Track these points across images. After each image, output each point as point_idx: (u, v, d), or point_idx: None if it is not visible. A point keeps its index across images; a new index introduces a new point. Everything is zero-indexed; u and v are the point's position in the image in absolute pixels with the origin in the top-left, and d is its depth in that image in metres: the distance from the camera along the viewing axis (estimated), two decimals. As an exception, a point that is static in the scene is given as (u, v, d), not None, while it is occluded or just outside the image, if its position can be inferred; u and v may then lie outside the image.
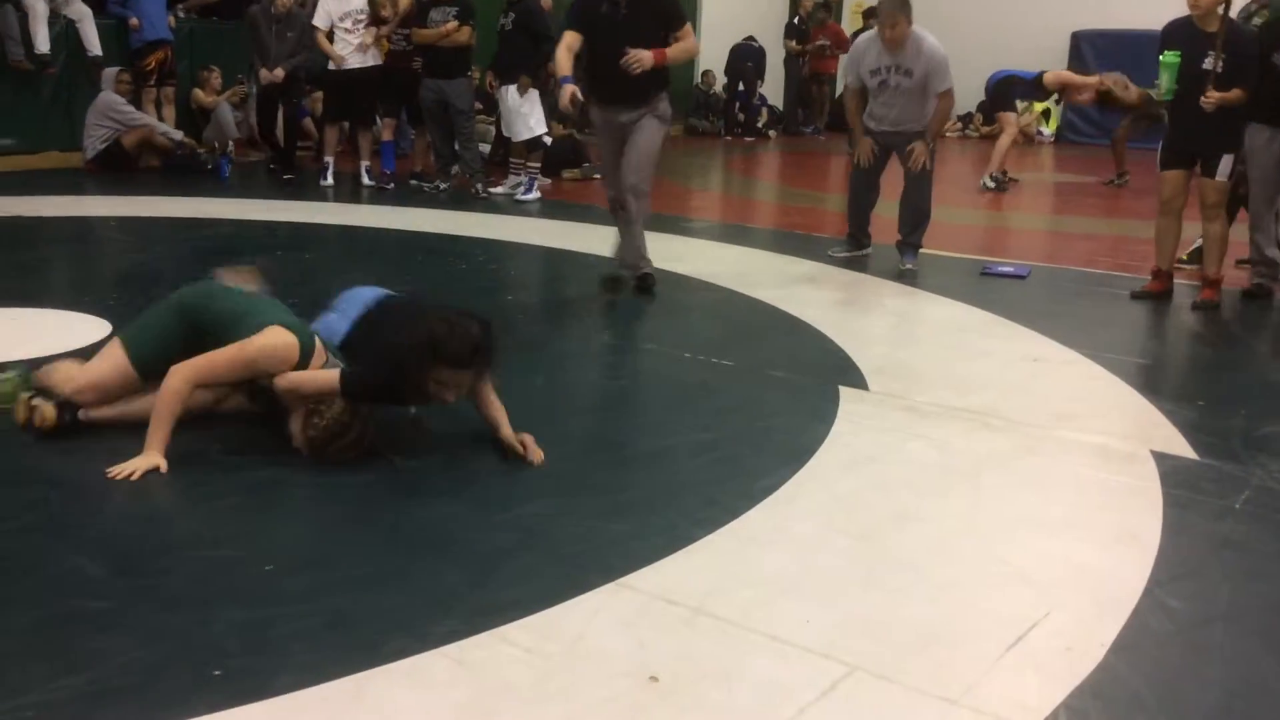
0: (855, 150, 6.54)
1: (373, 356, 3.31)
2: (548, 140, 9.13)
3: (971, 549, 2.87)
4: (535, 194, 8.75)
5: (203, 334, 3.28)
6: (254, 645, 2.25)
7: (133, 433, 3.18)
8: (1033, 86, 10.24)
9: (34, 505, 2.91)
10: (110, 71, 9.42)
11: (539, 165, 8.96)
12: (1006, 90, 10.32)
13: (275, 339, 3.20)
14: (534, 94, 8.68)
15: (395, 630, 2.33)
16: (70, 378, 3.37)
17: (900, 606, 2.55)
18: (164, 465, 3.07)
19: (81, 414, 3.32)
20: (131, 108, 9.35)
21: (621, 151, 5.56)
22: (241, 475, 3.11)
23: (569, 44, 5.45)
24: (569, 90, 5.27)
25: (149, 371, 3.30)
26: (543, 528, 2.88)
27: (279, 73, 9.03)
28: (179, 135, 9.49)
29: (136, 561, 2.62)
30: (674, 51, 5.42)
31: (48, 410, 3.28)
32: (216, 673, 2.14)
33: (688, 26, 5.52)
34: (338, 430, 3.16)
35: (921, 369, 4.51)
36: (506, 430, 3.36)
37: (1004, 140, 10.24)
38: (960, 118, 15.98)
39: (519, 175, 8.91)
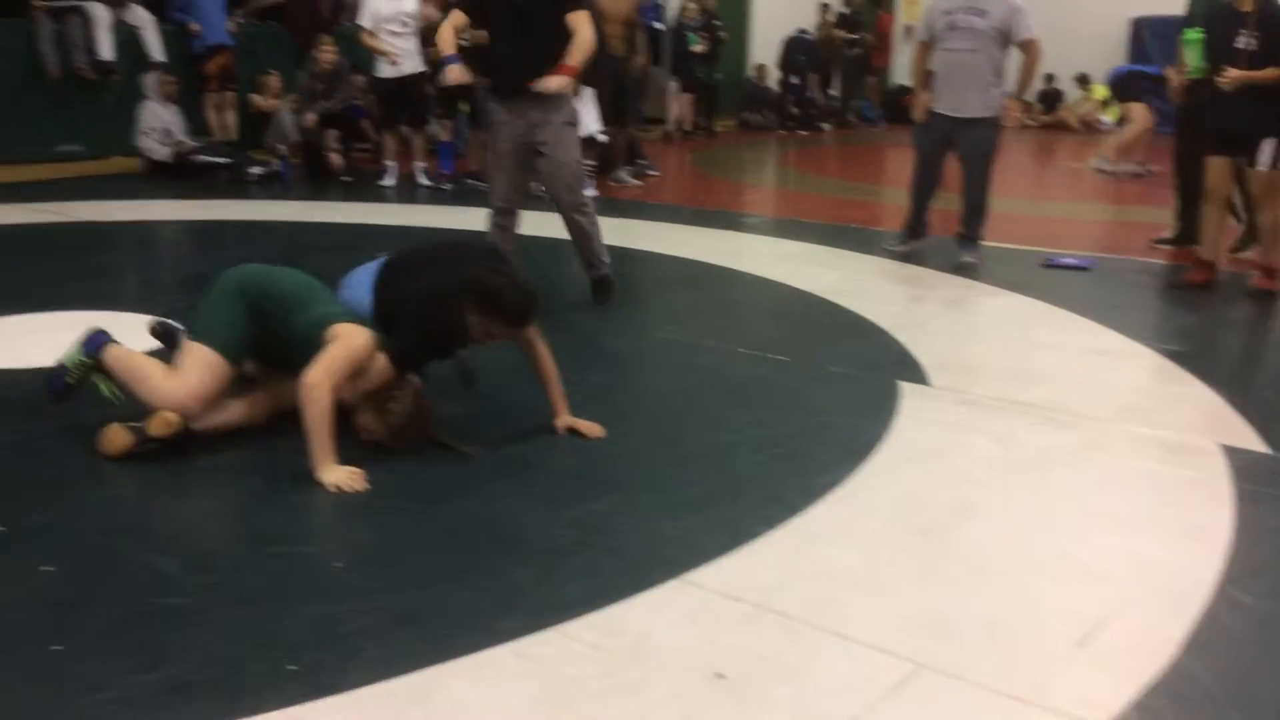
0: (913, 110, 6.44)
1: (413, 312, 3.36)
2: (603, 139, 9.16)
3: (1038, 545, 2.84)
4: (590, 192, 8.78)
5: (265, 316, 3.32)
6: (326, 641, 2.29)
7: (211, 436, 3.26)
8: (1156, 81, 10.18)
9: (112, 504, 2.99)
10: (153, 76, 9.40)
11: (594, 164, 8.98)
12: (1132, 84, 10.40)
13: (359, 336, 3.25)
14: (587, 93, 8.71)
15: (462, 626, 2.37)
16: (160, 400, 3.22)
17: (967, 603, 2.53)
18: (358, 472, 3.08)
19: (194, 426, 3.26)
20: (164, 117, 9.34)
21: (521, 157, 5.03)
22: (310, 476, 3.16)
23: (454, 24, 5.03)
24: (454, 69, 4.92)
25: (239, 361, 3.35)
26: (605, 525, 2.90)
27: (311, 117, 9.20)
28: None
29: (211, 559, 2.68)
30: (578, 57, 4.85)
31: (122, 436, 3.18)
32: (291, 667, 2.19)
33: (584, 12, 4.89)
34: (416, 412, 3.29)
35: (983, 363, 4.47)
36: (564, 419, 3.52)
37: (1130, 131, 10.24)
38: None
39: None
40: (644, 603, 2.49)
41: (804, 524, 2.92)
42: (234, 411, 3.37)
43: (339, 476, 3.04)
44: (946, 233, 6.59)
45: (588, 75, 8.61)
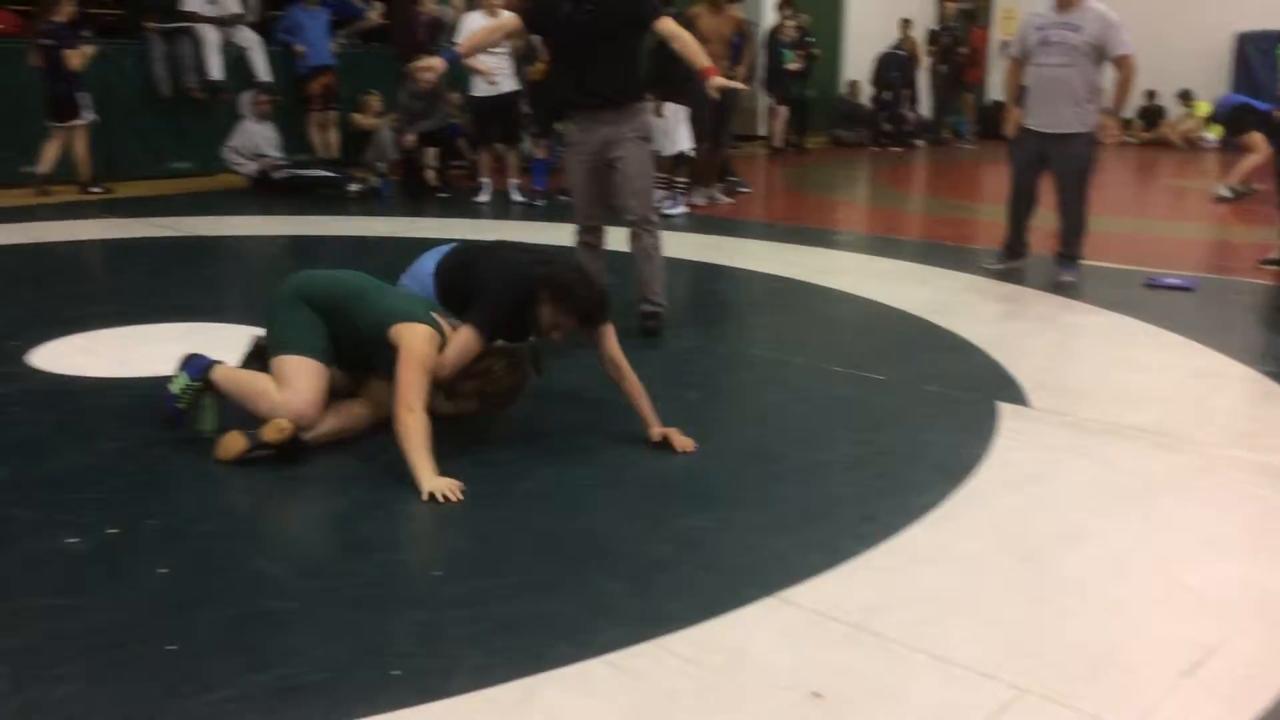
0: (1005, 125, 6.41)
1: (495, 285, 3.54)
2: (692, 154, 9.20)
3: (1144, 571, 2.78)
4: (681, 208, 8.82)
5: (330, 315, 3.45)
6: (429, 647, 2.34)
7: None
8: (1265, 119, 9.99)
9: (221, 509, 3.09)
10: (248, 95, 9.63)
11: (686, 180, 9.03)
12: (1244, 117, 10.56)
13: (417, 339, 3.33)
14: (678, 110, 8.76)
15: (559, 636, 2.40)
16: (282, 412, 3.32)
17: (1070, 628, 2.49)
18: (456, 483, 3.14)
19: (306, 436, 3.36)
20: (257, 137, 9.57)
21: (598, 175, 4.88)
22: (411, 484, 3.23)
23: (506, 27, 4.88)
24: (438, 63, 4.68)
25: (330, 361, 3.46)
26: (700, 539, 2.91)
27: (410, 137, 9.37)
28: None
29: (319, 564, 2.75)
30: (702, 54, 4.64)
31: (237, 441, 3.29)
32: (396, 672, 2.24)
33: (668, 17, 4.67)
34: (512, 384, 3.49)
35: (1085, 384, 4.39)
36: (657, 429, 3.58)
37: (1251, 160, 10.17)
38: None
39: (665, 190, 9.00)
40: (740, 619, 2.49)
41: (901, 545, 2.90)
42: (335, 421, 3.47)
43: (438, 485, 3.10)
44: (1046, 251, 6.47)
45: (681, 93, 8.69)
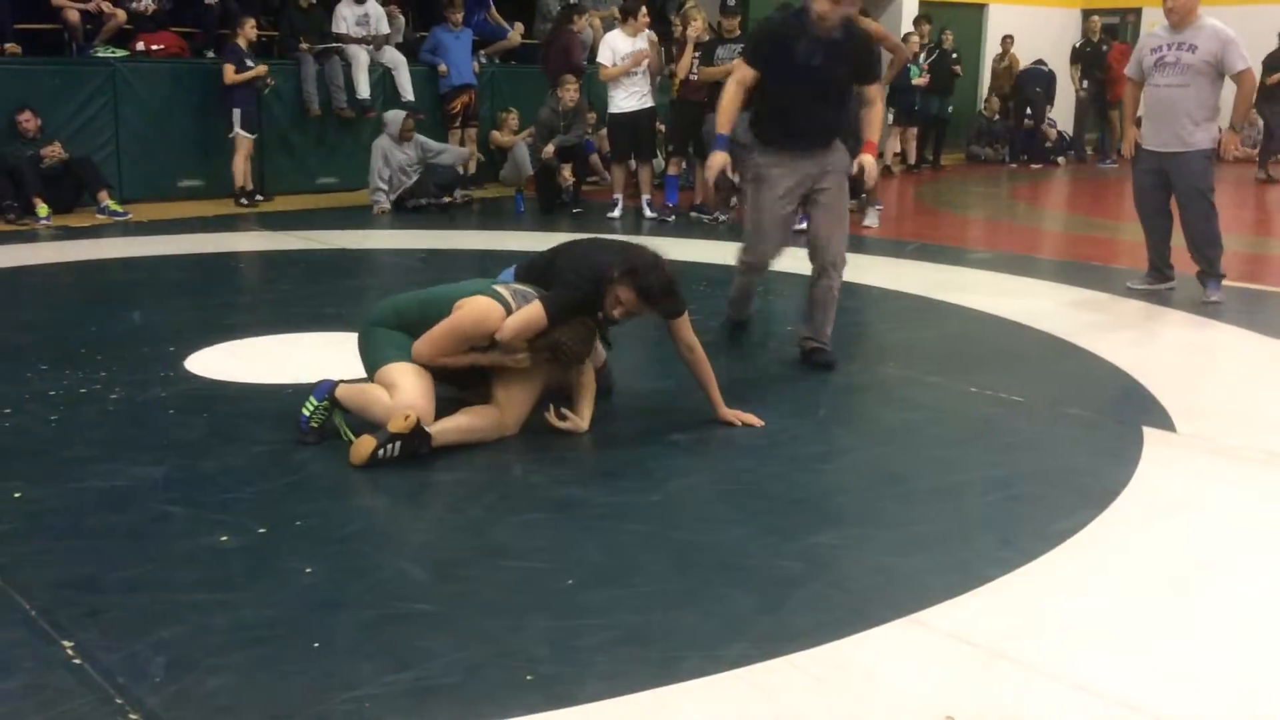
0: (1123, 145, 6.44)
1: (570, 277, 3.71)
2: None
3: (1300, 606, 2.66)
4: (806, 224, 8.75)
5: (418, 327, 3.64)
6: (561, 654, 2.38)
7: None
8: None
9: (361, 514, 3.20)
10: (394, 114, 9.50)
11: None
12: None
13: (474, 304, 3.59)
14: None
15: (689, 649, 2.41)
16: (405, 409, 3.47)
17: (1218, 661, 2.39)
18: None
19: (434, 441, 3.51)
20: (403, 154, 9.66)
21: (790, 207, 4.74)
22: (542, 492, 3.29)
23: (742, 81, 4.57)
24: (719, 161, 4.55)
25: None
26: (831, 558, 2.89)
27: (549, 150, 9.52)
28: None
29: (454, 568, 2.82)
30: (876, 133, 4.73)
31: (367, 442, 3.41)
32: (529, 677, 2.28)
33: (878, 86, 4.79)
34: (580, 351, 3.64)
35: (1235, 410, 4.21)
36: (723, 411, 3.87)
37: None
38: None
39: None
40: (872, 640, 2.46)
41: (1039, 570, 2.82)
42: (465, 419, 3.60)
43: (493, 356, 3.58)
44: (1190, 271, 6.24)
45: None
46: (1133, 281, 6.49)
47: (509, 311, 3.61)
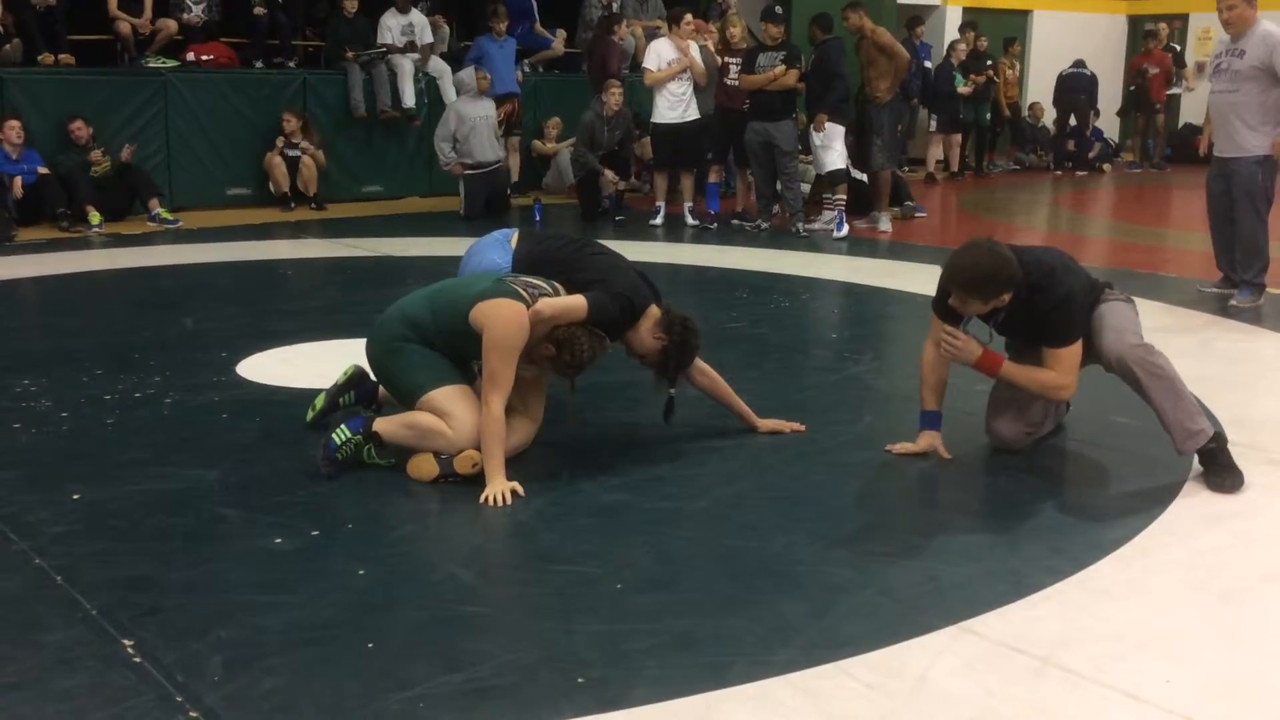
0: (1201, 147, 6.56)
1: (620, 289, 3.57)
2: (854, 173, 9.15)
3: (1357, 618, 2.62)
4: (845, 230, 8.74)
5: (433, 336, 3.50)
6: (611, 657, 2.40)
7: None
8: None
9: (414, 518, 3.24)
10: (466, 72, 9.89)
11: (844, 199, 8.94)
12: None
13: (503, 311, 3.35)
14: (836, 129, 8.79)
15: (738, 654, 2.42)
16: (462, 445, 3.40)
17: (1269, 673, 2.37)
18: (519, 487, 3.29)
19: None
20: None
21: None
22: (591, 498, 3.31)
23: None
24: (931, 439, 3.71)
25: (466, 376, 3.55)
26: (880, 566, 2.89)
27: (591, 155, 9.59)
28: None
29: (505, 572, 2.86)
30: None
31: (431, 466, 3.41)
32: (580, 680, 2.30)
33: (1067, 360, 3.57)
34: (589, 358, 3.43)
35: (1288, 420, 4.16)
36: (761, 422, 3.87)
37: None
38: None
39: (832, 211, 8.97)
40: (922, 646, 2.46)
41: (1091, 579, 2.81)
42: (512, 439, 3.50)
43: (499, 489, 3.25)
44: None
45: (838, 112, 8.72)
46: (1203, 285, 6.59)
47: (527, 306, 3.43)
